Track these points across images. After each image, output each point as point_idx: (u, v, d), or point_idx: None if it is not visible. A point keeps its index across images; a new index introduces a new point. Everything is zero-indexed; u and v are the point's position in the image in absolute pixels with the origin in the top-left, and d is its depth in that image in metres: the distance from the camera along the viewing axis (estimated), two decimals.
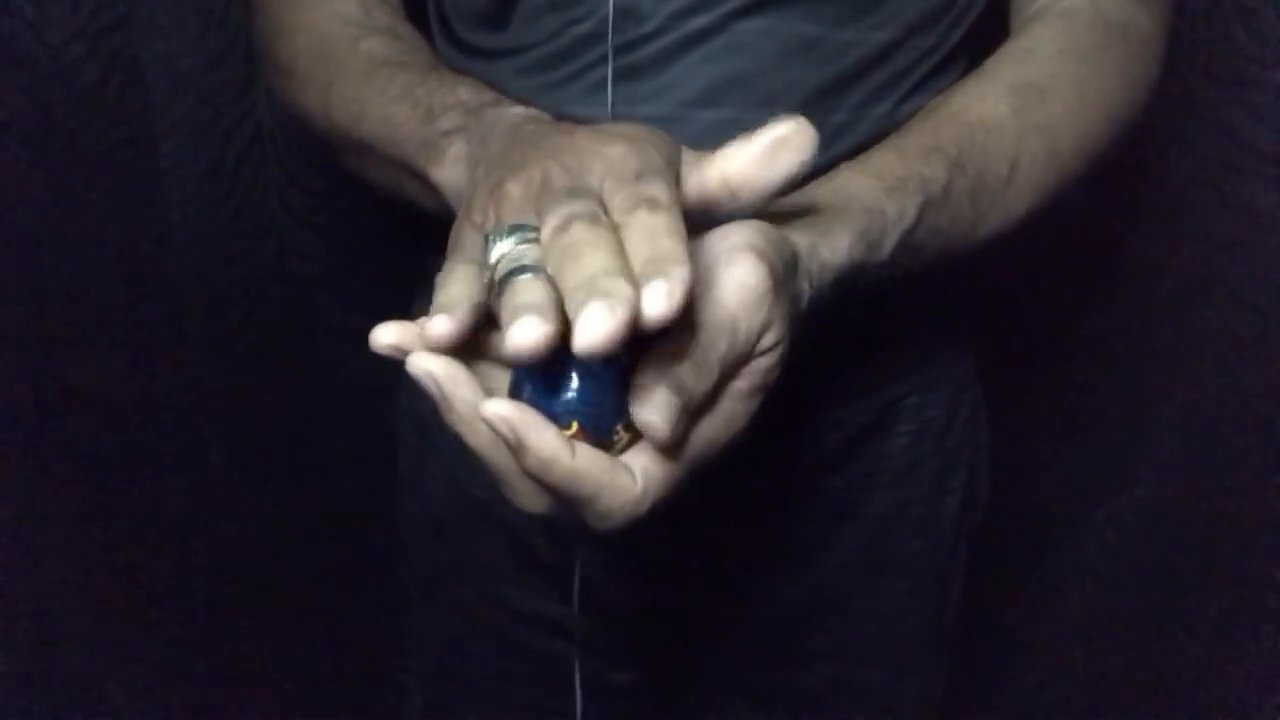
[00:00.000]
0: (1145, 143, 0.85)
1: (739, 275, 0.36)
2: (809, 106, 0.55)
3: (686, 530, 0.66)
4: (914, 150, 0.49)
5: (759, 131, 0.37)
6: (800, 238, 0.41)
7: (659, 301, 0.30)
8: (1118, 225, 0.93)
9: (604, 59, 0.54)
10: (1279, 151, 0.82)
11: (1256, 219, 0.85)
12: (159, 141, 0.85)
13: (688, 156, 0.40)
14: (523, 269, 0.33)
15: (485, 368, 0.38)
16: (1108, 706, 1.07)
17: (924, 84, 0.58)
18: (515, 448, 0.34)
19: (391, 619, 1.08)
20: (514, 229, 0.35)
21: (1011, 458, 0.80)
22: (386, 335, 0.36)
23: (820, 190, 0.45)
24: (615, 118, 0.55)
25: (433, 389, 0.35)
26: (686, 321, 0.35)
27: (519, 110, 0.47)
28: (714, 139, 0.53)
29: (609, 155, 0.37)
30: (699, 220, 0.39)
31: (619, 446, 0.37)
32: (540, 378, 0.36)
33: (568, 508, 0.36)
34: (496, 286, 0.34)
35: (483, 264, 0.36)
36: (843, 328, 0.50)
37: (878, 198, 0.45)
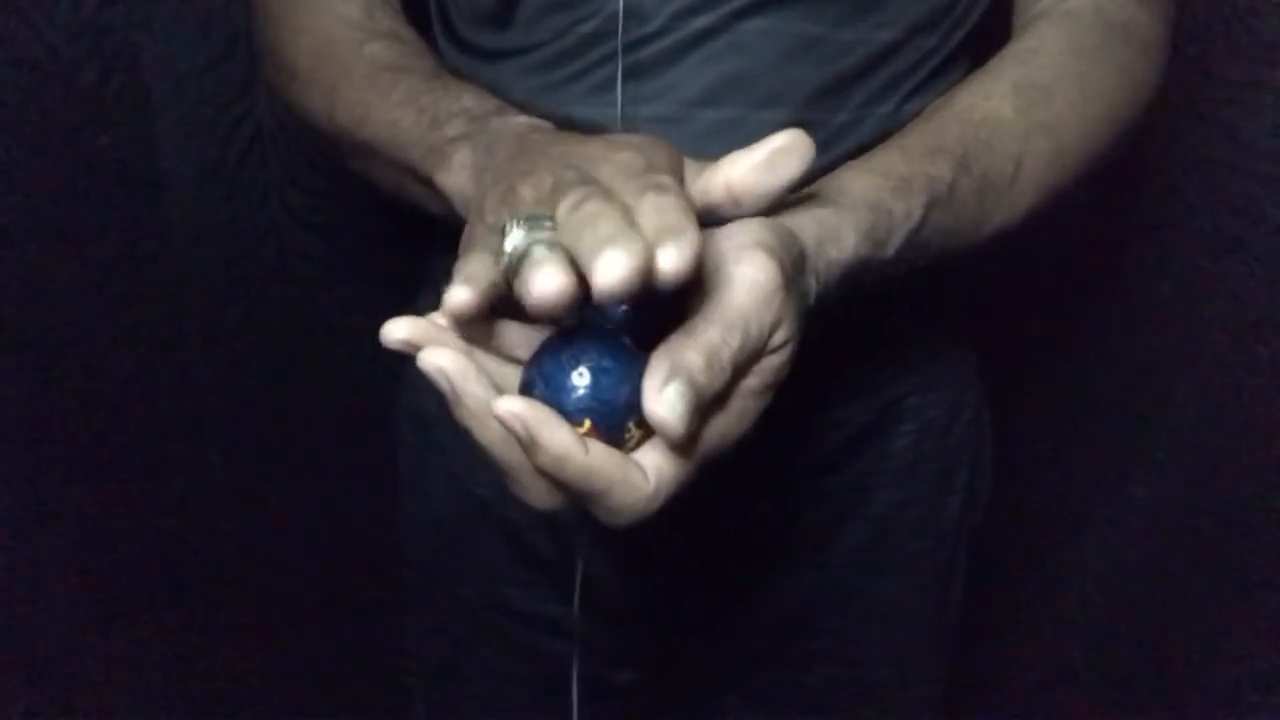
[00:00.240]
0: (1145, 143, 0.85)
1: (750, 273, 0.36)
2: (812, 106, 0.55)
3: (688, 529, 0.66)
4: (919, 149, 0.49)
5: (759, 143, 0.38)
6: (807, 235, 0.41)
7: (672, 258, 0.31)
8: (1118, 225, 0.93)
9: (607, 59, 0.54)
10: (1279, 151, 0.83)
11: (1256, 219, 0.85)
12: (159, 141, 0.85)
13: (690, 165, 0.40)
14: (537, 244, 0.34)
15: (494, 363, 0.38)
16: (1108, 706, 1.07)
17: (927, 84, 0.58)
18: (527, 445, 0.34)
19: (391, 619, 1.07)
20: (528, 218, 0.35)
21: (1012, 457, 0.80)
22: (398, 330, 0.36)
23: (826, 189, 0.45)
24: (620, 117, 0.55)
25: (444, 385, 0.35)
26: (698, 318, 0.35)
27: (523, 119, 0.48)
28: (717, 138, 0.54)
29: (617, 159, 0.37)
30: (704, 225, 0.39)
31: (631, 444, 0.37)
32: (552, 374, 0.36)
33: (579, 505, 0.36)
34: (513, 266, 0.34)
35: (498, 253, 0.36)
36: (845, 327, 0.50)
37: (883, 197, 0.45)
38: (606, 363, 0.36)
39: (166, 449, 0.94)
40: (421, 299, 0.71)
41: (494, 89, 0.55)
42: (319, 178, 0.91)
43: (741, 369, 0.37)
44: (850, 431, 0.66)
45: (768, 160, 0.38)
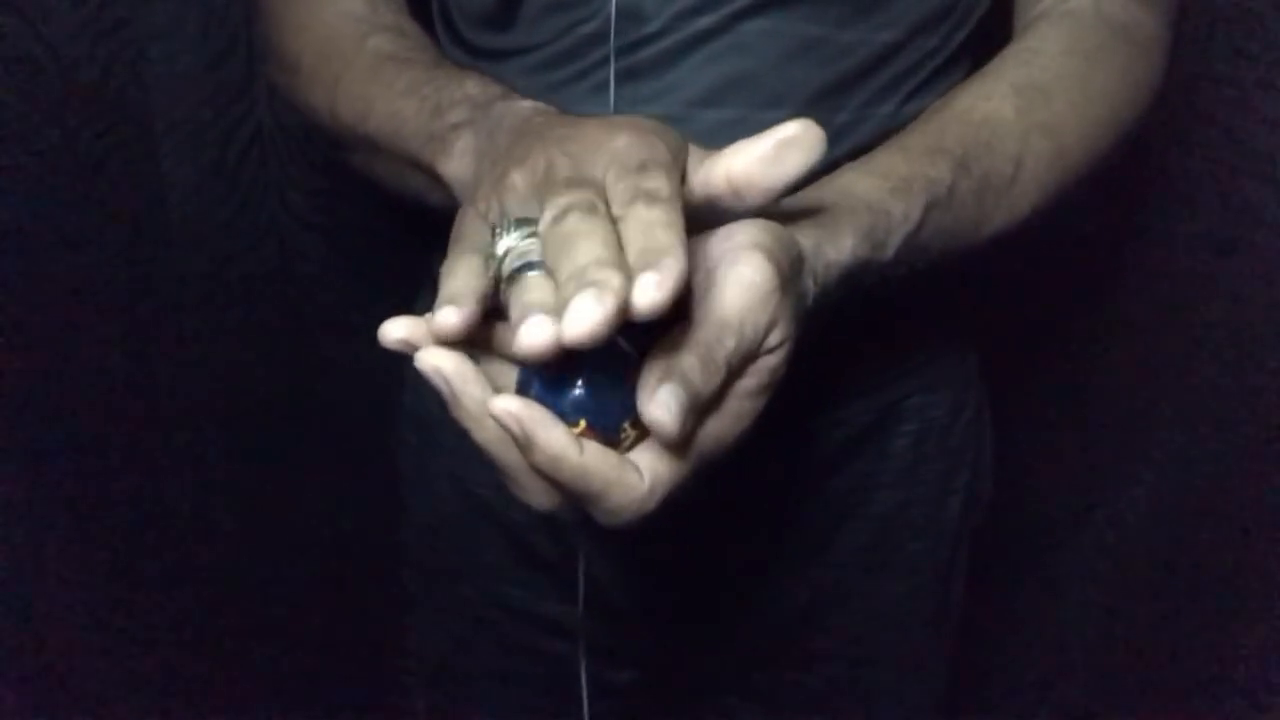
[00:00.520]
0: (1145, 143, 0.86)
1: (746, 273, 0.36)
2: (812, 107, 0.55)
3: (689, 529, 0.66)
4: (919, 150, 0.49)
5: (766, 132, 0.37)
6: (805, 236, 0.41)
7: (649, 292, 0.30)
8: (1118, 225, 0.93)
9: (609, 59, 0.54)
10: (1279, 151, 0.83)
11: (1256, 219, 0.85)
12: (159, 141, 0.84)
13: (694, 153, 0.39)
14: (529, 265, 0.34)
15: (491, 363, 0.38)
16: (1108, 706, 1.07)
17: (927, 85, 0.58)
18: (523, 444, 0.34)
19: (392, 619, 1.07)
20: (520, 222, 0.35)
21: (1011, 457, 0.80)
22: (396, 330, 0.36)
23: (824, 190, 0.45)
24: None
25: (441, 385, 0.35)
26: (693, 319, 0.35)
27: (527, 104, 0.47)
28: (718, 139, 0.53)
29: (613, 146, 0.37)
30: (703, 218, 0.39)
31: (626, 444, 0.37)
32: (548, 375, 0.36)
33: (575, 504, 0.36)
34: (504, 281, 0.34)
35: (488, 256, 0.36)
36: (846, 328, 0.50)
37: (882, 198, 0.45)
38: (601, 363, 0.35)
39: (166, 449, 0.94)
40: (421, 298, 0.71)
41: None
42: (319, 178, 0.91)
43: (737, 370, 0.36)
44: (851, 432, 0.66)
45: (774, 151, 0.37)
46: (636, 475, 0.36)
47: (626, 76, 0.54)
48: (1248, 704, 0.94)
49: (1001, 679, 1.15)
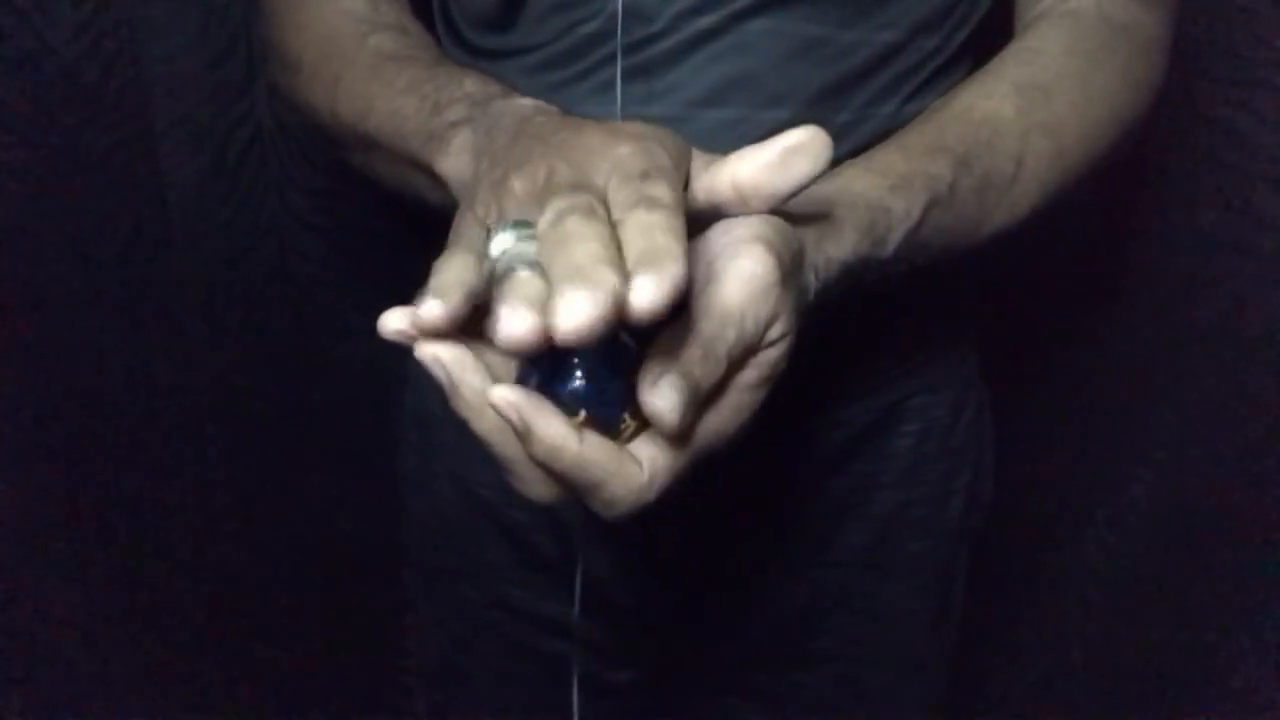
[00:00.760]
0: (1145, 143, 0.86)
1: (747, 266, 0.36)
2: (814, 106, 0.55)
3: (690, 529, 0.66)
4: (919, 148, 0.49)
5: (772, 139, 0.37)
6: (806, 231, 0.41)
7: (647, 293, 0.30)
8: (1118, 225, 0.93)
9: (611, 59, 0.54)
10: (1279, 151, 0.83)
11: (1257, 219, 0.85)
12: (159, 141, 0.84)
13: (698, 157, 0.39)
14: (523, 264, 0.33)
15: (492, 354, 0.38)
16: (1107, 706, 1.07)
17: (929, 84, 0.58)
18: (523, 434, 0.34)
19: (392, 619, 1.07)
20: (516, 224, 0.35)
21: (1012, 457, 0.80)
22: (394, 321, 0.36)
23: (825, 187, 0.45)
24: (622, 117, 0.55)
25: (440, 375, 0.35)
26: (694, 311, 0.35)
27: (527, 102, 0.47)
28: (720, 138, 0.54)
29: (616, 154, 0.37)
30: (706, 221, 0.39)
31: (626, 435, 0.37)
32: (548, 365, 0.36)
33: (574, 495, 0.36)
34: (496, 280, 0.34)
35: (483, 255, 0.36)
36: (848, 327, 0.50)
37: (883, 195, 0.45)
38: (602, 354, 0.35)
39: (166, 449, 0.94)
40: (421, 300, 0.71)
41: None
42: (319, 178, 0.91)
43: (737, 362, 0.36)
44: (852, 432, 0.66)
45: (780, 158, 0.37)
46: (636, 466, 0.36)
47: (628, 76, 0.55)
48: (1248, 704, 0.94)
49: (1001, 679, 1.15)
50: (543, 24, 0.56)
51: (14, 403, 0.85)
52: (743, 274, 0.36)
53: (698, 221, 0.37)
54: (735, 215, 0.39)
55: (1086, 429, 1.02)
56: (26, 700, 0.92)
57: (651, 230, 0.32)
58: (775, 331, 0.37)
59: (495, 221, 0.37)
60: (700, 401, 0.35)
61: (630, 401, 0.35)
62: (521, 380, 0.36)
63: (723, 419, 0.37)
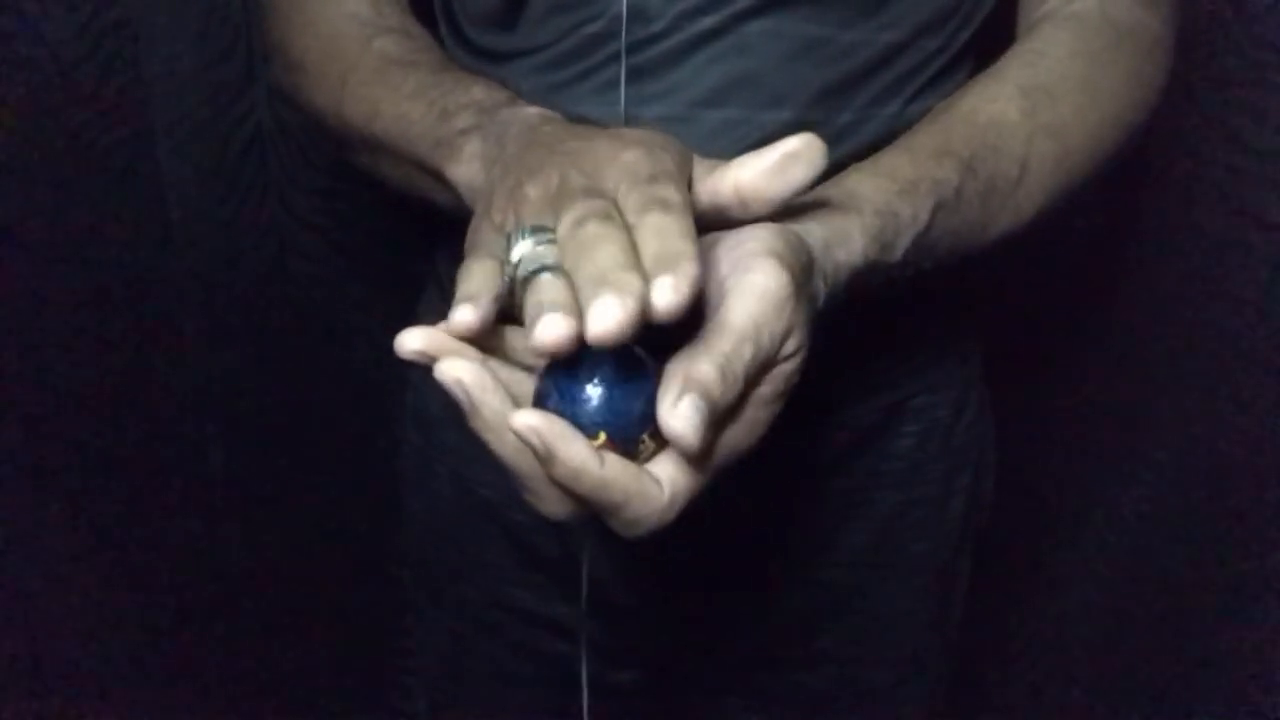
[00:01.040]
0: (1145, 143, 0.86)
1: (760, 281, 0.36)
2: (815, 106, 0.55)
3: (692, 529, 0.66)
4: (925, 152, 0.49)
5: (772, 145, 0.38)
6: (815, 239, 0.41)
7: (667, 294, 0.31)
8: (1119, 226, 0.93)
9: (613, 59, 0.54)
10: (1279, 151, 0.83)
11: (1257, 219, 0.85)
12: (159, 141, 0.84)
13: (700, 163, 0.40)
14: (543, 269, 0.34)
15: (507, 371, 0.38)
16: (1107, 706, 1.07)
17: (931, 85, 0.58)
18: (544, 458, 0.34)
19: (392, 619, 1.08)
20: (534, 229, 0.36)
21: (1012, 457, 0.80)
22: (413, 341, 0.36)
23: (833, 191, 0.45)
24: (624, 118, 0.55)
25: (461, 396, 0.35)
26: (709, 328, 0.36)
27: (534, 110, 0.48)
28: (721, 138, 0.54)
29: (624, 160, 0.38)
30: (710, 225, 0.39)
31: (645, 455, 0.37)
32: (567, 386, 0.36)
33: (594, 515, 0.36)
34: (518, 285, 0.35)
35: (504, 262, 0.36)
36: (851, 328, 0.50)
37: (890, 199, 0.45)
38: (620, 374, 0.36)
39: (166, 449, 0.94)
40: (425, 299, 0.71)
41: None
42: (319, 178, 0.91)
43: (754, 379, 0.37)
44: (854, 432, 0.66)
45: (778, 164, 0.38)
46: (656, 487, 0.36)
47: (631, 76, 0.55)
48: (1247, 704, 0.94)
49: (1001, 679, 1.15)
50: (545, 24, 0.56)
51: (14, 402, 0.85)
52: (756, 290, 0.36)
53: (701, 223, 0.37)
54: (737, 218, 0.39)
55: (1086, 429, 1.02)
56: (27, 700, 0.92)
57: (665, 233, 0.33)
58: (790, 345, 0.37)
59: (513, 228, 0.37)
60: (719, 421, 0.36)
61: (649, 422, 0.35)
62: (540, 401, 0.37)
63: (740, 434, 0.37)
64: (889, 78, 0.56)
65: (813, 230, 0.41)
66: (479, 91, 0.51)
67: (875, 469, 0.68)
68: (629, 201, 0.35)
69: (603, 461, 0.35)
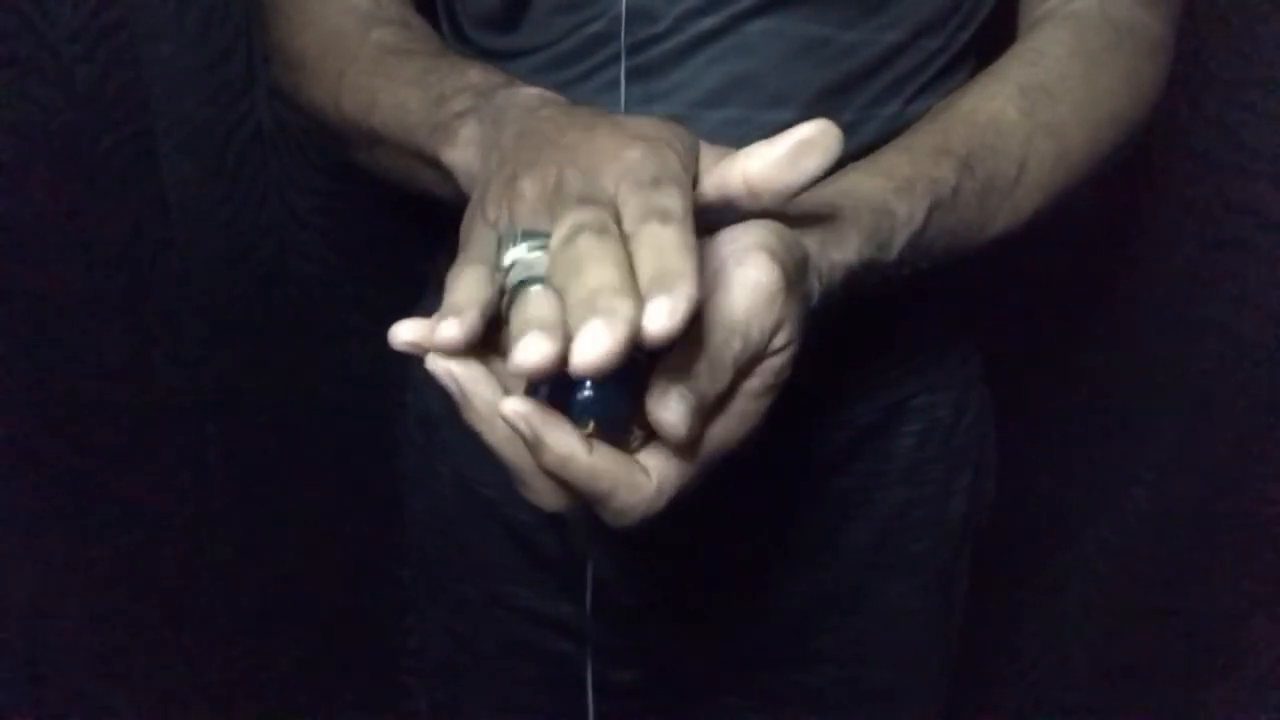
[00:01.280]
0: (1145, 143, 0.86)
1: (752, 275, 0.36)
2: (816, 106, 0.55)
3: (693, 529, 0.66)
4: (923, 151, 0.49)
5: (783, 134, 0.37)
6: (810, 237, 0.41)
7: (661, 319, 0.30)
8: (1119, 226, 0.93)
9: (615, 59, 0.54)
10: (1279, 151, 0.83)
11: (1257, 219, 0.85)
12: (159, 141, 0.84)
13: (707, 153, 0.40)
14: (533, 279, 0.34)
15: (500, 363, 0.38)
16: (1107, 706, 1.07)
17: (931, 85, 0.58)
18: (533, 445, 0.34)
19: (392, 619, 1.08)
20: (527, 234, 0.35)
21: (1012, 458, 0.80)
22: (405, 333, 0.36)
23: (829, 190, 0.45)
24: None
25: (452, 387, 0.35)
26: (700, 321, 0.35)
27: (532, 92, 0.47)
28: (722, 138, 0.53)
29: (626, 159, 0.37)
30: (716, 216, 0.39)
31: (634, 445, 0.37)
32: (557, 376, 0.36)
33: (584, 504, 0.37)
34: (508, 294, 0.34)
35: (495, 266, 0.36)
36: (850, 328, 0.50)
37: (887, 198, 0.45)
38: None
39: (166, 448, 0.94)
40: (425, 299, 0.71)
41: None
42: (319, 178, 0.91)
43: (743, 371, 0.37)
44: (855, 432, 0.66)
45: (791, 153, 0.37)
46: (645, 476, 0.36)
47: (632, 76, 0.55)
48: (1248, 703, 0.94)
49: (1001, 679, 1.15)
50: (547, 25, 0.56)
51: (14, 403, 0.85)
52: (747, 283, 0.36)
53: (707, 215, 0.37)
54: (746, 210, 0.39)
55: (1086, 429, 1.02)
56: (27, 700, 0.92)
57: (663, 250, 0.32)
58: (780, 340, 0.37)
59: (506, 229, 0.37)
60: (707, 412, 0.36)
61: (639, 412, 0.35)
62: (531, 390, 0.37)
63: (729, 427, 0.37)
64: (889, 78, 0.56)
65: (809, 230, 0.41)
66: (475, 75, 0.50)
67: (875, 469, 0.68)
68: (628, 208, 0.35)
69: (591, 450, 0.35)
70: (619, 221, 0.35)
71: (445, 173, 0.48)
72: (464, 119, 0.47)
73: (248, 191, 0.90)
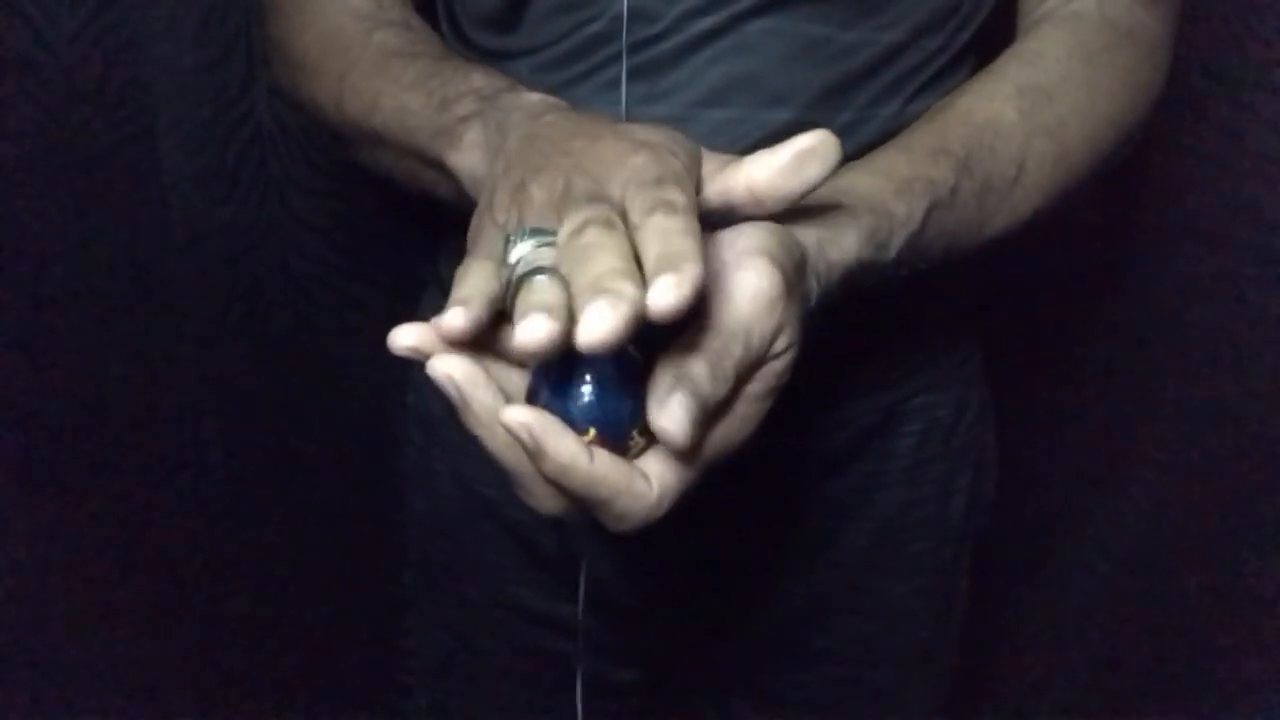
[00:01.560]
0: (1145, 143, 0.86)
1: (752, 280, 0.36)
2: (816, 106, 0.55)
3: (693, 529, 0.66)
4: (922, 151, 0.49)
5: (785, 143, 0.38)
6: (808, 237, 0.41)
7: (667, 294, 0.31)
8: (1118, 226, 0.93)
9: (614, 59, 0.54)
10: (1279, 151, 0.83)
11: (1256, 219, 0.85)
12: (159, 141, 0.84)
13: (710, 159, 0.40)
14: (539, 270, 0.34)
15: (501, 369, 0.38)
16: (1108, 706, 1.07)
17: (931, 85, 0.58)
18: (534, 453, 0.34)
19: (392, 619, 1.07)
20: (534, 231, 0.36)
21: (1012, 457, 0.80)
22: (405, 337, 0.36)
23: (827, 190, 0.45)
24: (626, 117, 0.55)
25: (452, 392, 0.35)
26: (701, 327, 0.36)
27: (535, 97, 0.47)
28: (722, 138, 0.54)
29: (631, 164, 0.37)
30: (718, 221, 0.39)
31: (634, 451, 0.37)
32: (558, 383, 0.36)
33: (584, 510, 0.37)
34: (513, 286, 0.35)
35: (501, 262, 0.36)
36: (850, 328, 0.50)
37: (885, 199, 0.46)
38: (611, 371, 0.36)
39: (166, 449, 0.94)
40: (426, 300, 0.71)
41: None
42: (319, 178, 0.91)
43: (744, 376, 0.37)
44: (855, 432, 0.66)
45: (793, 162, 0.38)
46: (645, 483, 0.36)
47: (631, 76, 0.55)
48: (1248, 703, 0.94)
49: (1001, 679, 1.15)
50: (547, 25, 0.56)
51: (15, 403, 0.85)
52: (747, 289, 0.36)
53: (710, 220, 0.38)
54: (748, 216, 0.39)
55: (1086, 429, 1.02)
56: (27, 700, 0.92)
57: (669, 234, 0.33)
58: (780, 344, 0.37)
59: (514, 229, 0.37)
60: (708, 418, 0.36)
61: (639, 418, 0.36)
62: (531, 397, 0.37)
63: (729, 431, 0.37)
64: (889, 78, 0.56)
65: (806, 230, 0.41)
66: (479, 79, 0.50)
67: (876, 469, 0.68)
68: (634, 205, 0.35)
69: (592, 457, 0.35)
70: (625, 222, 0.35)
71: (448, 175, 0.49)
72: (468, 123, 0.48)
73: (248, 191, 0.90)
